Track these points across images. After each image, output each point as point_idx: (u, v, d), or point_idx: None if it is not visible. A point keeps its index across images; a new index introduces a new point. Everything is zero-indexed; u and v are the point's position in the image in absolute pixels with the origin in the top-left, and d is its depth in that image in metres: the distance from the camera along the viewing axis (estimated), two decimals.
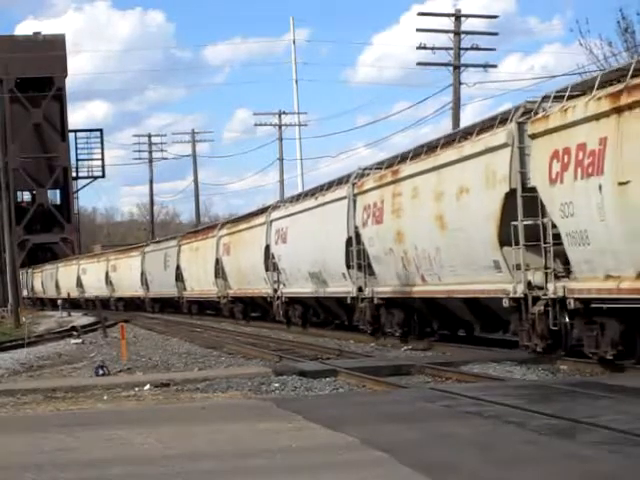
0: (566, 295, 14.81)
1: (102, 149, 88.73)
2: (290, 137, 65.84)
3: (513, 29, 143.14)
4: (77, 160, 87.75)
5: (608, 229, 13.80)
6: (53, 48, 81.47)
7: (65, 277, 67.91)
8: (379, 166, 23.68)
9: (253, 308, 36.05)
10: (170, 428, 9.87)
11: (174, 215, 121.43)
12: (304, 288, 28.21)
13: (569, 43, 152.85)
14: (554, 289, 15.14)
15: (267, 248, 31.27)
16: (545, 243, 15.38)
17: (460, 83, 38.54)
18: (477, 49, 38.95)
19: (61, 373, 19.55)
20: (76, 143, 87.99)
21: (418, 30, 39.08)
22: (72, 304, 60.26)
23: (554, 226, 15.10)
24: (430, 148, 20.58)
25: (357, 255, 23.68)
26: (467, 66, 39.26)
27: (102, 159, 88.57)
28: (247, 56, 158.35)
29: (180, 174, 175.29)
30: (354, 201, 23.88)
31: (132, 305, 53.79)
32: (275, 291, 30.97)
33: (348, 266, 24.38)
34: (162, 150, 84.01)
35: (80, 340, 29.21)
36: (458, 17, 38.93)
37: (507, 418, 9.37)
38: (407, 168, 20.97)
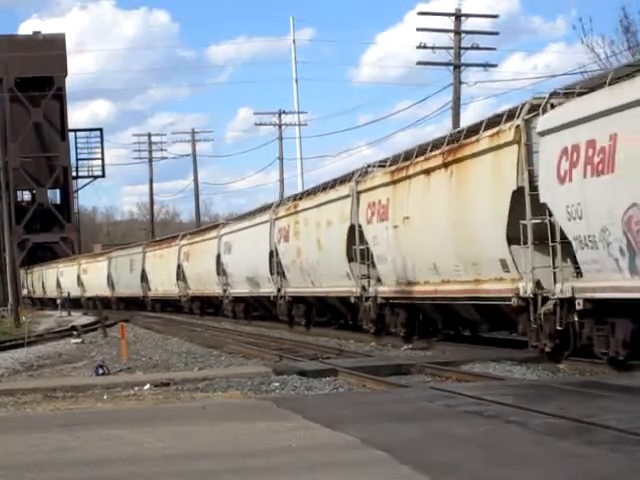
0: (377, 294, 22.99)
1: (102, 148, 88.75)
2: (292, 136, 65.88)
3: (517, 28, 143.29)
4: (77, 160, 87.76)
5: (392, 253, 21.92)
6: (53, 48, 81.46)
7: (49, 279, 73.16)
8: (290, 198, 31.60)
9: (208, 305, 43.04)
10: (170, 427, 9.87)
11: (174, 214, 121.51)
12: (244, 289, 35.49)
13: (573, 42, 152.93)
14: (374, 291, 23.17)
15: (218, 257, 38.14)
16: (368, 260, 23.41)
17: (460, 82, 38.55)
18: (477, 48, 38.95)
19: (61, 372, 19.56)
20: (76, 143, 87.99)
21: (418, 30, 39.13)
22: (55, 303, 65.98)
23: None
24: (315, 191, 28.47)
25: (276, 265, 30.74)
26: (467, 65, 39.27)
27: (102, 158, 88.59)
28: (251, 55, 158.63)
29: (182, 173, 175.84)
30: (273, 224, 31.00)
31: (101, 303, 57.96)
32: (224, 291, 38.08)
33: (271, 272, 31.29)
34: (162, 150, 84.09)
35: (80, 339, 29.23)
36: (458, 17, 38.93)
37: (507, 417, 9.37)
38: (302, 204, 28.61)
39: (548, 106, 15.78)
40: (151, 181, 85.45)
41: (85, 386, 15.18)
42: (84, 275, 63.68)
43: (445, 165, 18.90)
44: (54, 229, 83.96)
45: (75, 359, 22.48)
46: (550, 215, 15.41)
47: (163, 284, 48.20)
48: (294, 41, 63.12)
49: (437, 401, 10.96)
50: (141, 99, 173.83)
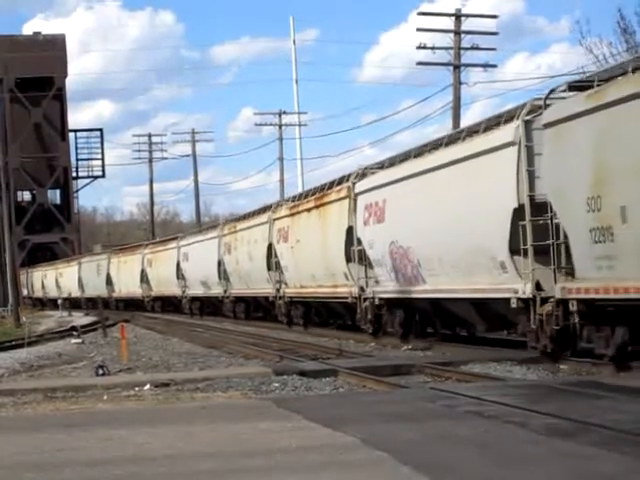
0: (285, 295, 30.72)
1: (102, 149, 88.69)
2: (292, 137, 65.76)
3: (522, 29, 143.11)
4: (77, 160, 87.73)
5: (291, 265, 29.60)
6: (53, 48, 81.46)
7: (36, 280, 78.11)
8: (233, 219, 39.76)
9: (169, 304, 50.01)
10: (170, 428, 9.88)
11: (174, 215, 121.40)
12: (199, 291, 42.96)
13: (576, 43, 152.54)
14: (284, 292, 30.78)
15: (178, 264, 45.42)
16: (279, 269, 30.86)
17: (460, 83, 38.56)
18: (476, 49, 38.96)
19: (61, 373, 19.55)
20: (76, 143, 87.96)
21: (418, 30, 39.13)
22: (42, 302, 73.43)
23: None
24: (247, 216, 36.63)
25: (223, 271, 37.93)
26: (466, 66, 39.26)
27: (102, 159, 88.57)
28: (255, 56, 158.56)
29: (183, 174, 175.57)
30: (220, 239, 38.45)
31: (75, 303, 63.59)
32: (183, 292, 45.43)
33: (219, 278, 38.38)
34: (162, 150, 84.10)
35: (80, 340, 29.20)
36: (458, 17, 38.93)
37: (507, 418, 9.37)
38: (239, 225, 36.68)
39: (368, 173, 24.03)
40: (151, 181, 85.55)
41: (85, 386, 15.18)
42: (60, 278, 70.51)
43: (316, 207, 27.32)
44: (54, 229, 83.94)
45: (75, 359, 22.47)
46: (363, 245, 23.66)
47: (127, 286, 55.33)
48: (294, 41, 63.12)
49: (437, 401, 10.97)
50: (145, 99, 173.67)
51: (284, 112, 63.92)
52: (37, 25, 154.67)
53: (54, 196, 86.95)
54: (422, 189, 20.05)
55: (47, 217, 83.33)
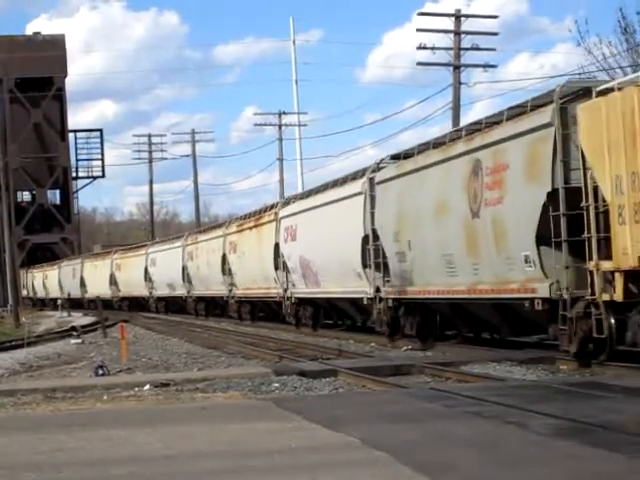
0: (235, 295, 37.90)
1: (102, 149, 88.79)
2: (292, 137, 65.63)
3: (526, 29, 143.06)
4: (77, 160, 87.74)
5: (239, 271, 36.44)
6: (53, 48, 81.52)
7: (29, 281, 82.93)
8: (195, 231, 46.27)
9: (136, 304, 55.91)
10: (170, 428, 9.87)
11: (174, 215, 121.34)
12: (165, 291, 49.94)
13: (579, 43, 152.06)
14: (234, 293, 37.37)
15: (146, 268, 52.02)
16: (231, 274, 37.49)
17: (460, 83, 38.54)
18: (476, 49, 38.93)
19: (61, 373, 19.55)
20: (76, 143, 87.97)
21: (418, 30, 39.13)
22: (32, 301, 78.65)
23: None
24: (207, 229, 44.32)
25: (186, 275, 44.92)
26: (466, 66, 39.24)
27: (102, 159, 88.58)
28: (259, 56, 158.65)
29: (185, 174, 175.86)
30: (184, 249, 45.42)
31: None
32: (150, 293, 52.10)
33: (183, 281, 45.40)
34: (162, 150, 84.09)
35: (80, 340, 29.21)
36: (458, 17, 38.92)
37: (507, 418, 9.37)
38: (200, 237, 43.99)
39: (291, 201, 31.58)
40: (151, 182, 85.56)
41: (85, 387, 15.17)
42: (46, 280, 77.25)
43: (255, 226, 34.74)
44: (54, 230, 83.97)
45: (75, 359, 22.46)
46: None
47: (98, 288, 60.45)
48: (294, 42, 63.16)
49: (437, 402, 10.96)
50: (148, 99, 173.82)
51: (284, 112, 63.94)
52: (40, 25, 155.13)
53: (54, 196, 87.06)
54: (317, 219, 27.73)
55: (47, 217, 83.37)
